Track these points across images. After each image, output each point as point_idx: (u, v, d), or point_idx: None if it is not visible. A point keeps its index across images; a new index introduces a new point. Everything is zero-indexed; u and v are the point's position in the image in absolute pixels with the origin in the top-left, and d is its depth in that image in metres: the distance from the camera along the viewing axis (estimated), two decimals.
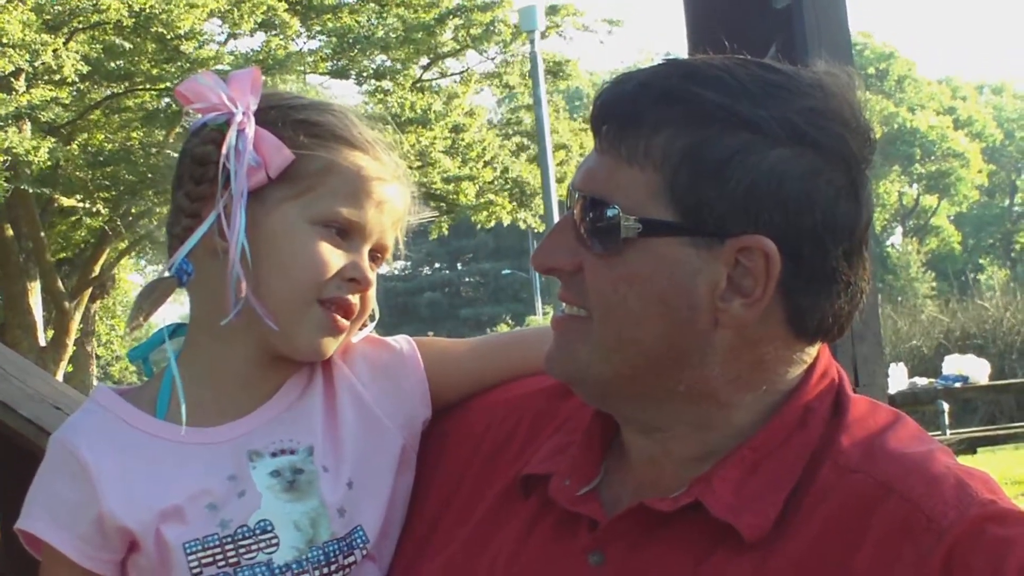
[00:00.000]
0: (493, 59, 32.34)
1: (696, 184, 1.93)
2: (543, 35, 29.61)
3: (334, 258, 2.24)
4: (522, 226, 34.06)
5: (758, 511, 1.94)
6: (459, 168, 31.45)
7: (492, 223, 33.85)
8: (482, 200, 32.33)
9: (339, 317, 2.26)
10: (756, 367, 2.01)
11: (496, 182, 32.27)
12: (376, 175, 2.29)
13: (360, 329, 2.38)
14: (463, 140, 31.56)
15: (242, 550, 2.18)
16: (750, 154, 1.92)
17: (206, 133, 2.27)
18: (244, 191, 2.21)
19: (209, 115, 2.26)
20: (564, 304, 2.09)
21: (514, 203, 32.71)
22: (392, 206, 2.32)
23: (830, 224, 1.96)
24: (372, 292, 2.31)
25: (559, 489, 2.12)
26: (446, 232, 36.47)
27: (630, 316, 1.98)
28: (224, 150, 2.22)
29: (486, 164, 31.93)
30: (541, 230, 31.67)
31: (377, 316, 2.40)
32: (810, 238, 1.95)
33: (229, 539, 2.18)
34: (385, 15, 30.46)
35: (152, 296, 2.28)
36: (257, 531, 2.19)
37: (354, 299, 2.27)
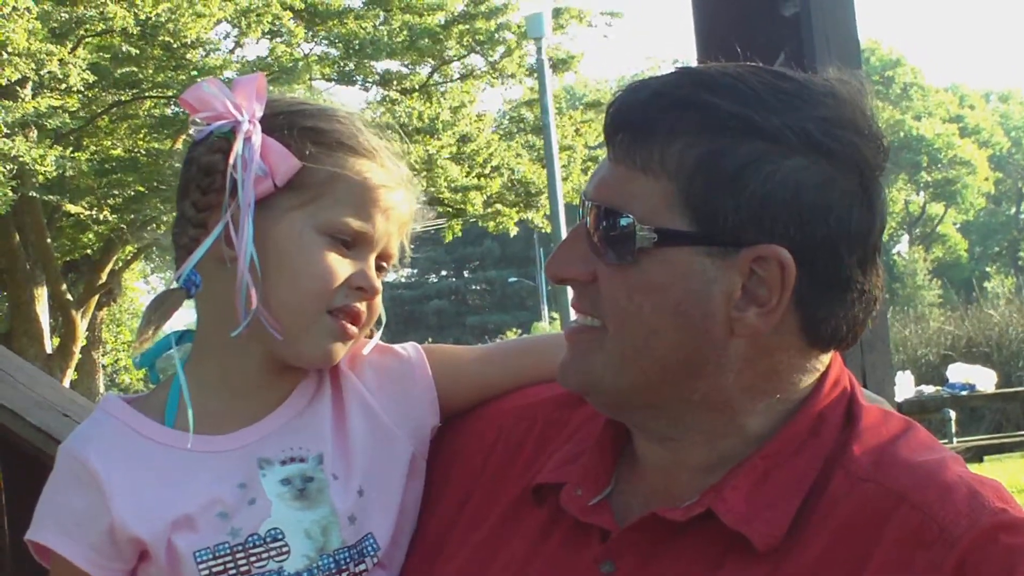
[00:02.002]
0: (497, 63, 32.34)
1: (712, 193, 1.93)
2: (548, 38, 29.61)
3: (342, 267, 2.23)
4: (531, 225, 34.07)
5: (770, 520, 1.94)
6: (466, 177, 31.47)
7: (500, 230, 33.89)
8: (489, 210, 32.37)
9: (347, 325, 2.25)
10: (770, 376, 2.01)
11: (503, 190, 32.31)
12: (382, 183, 2.29)
13: (368, 337, 2.38)
14: (469, 149, 31.57)
15: (253, 558, 2.17)
16: (765, 163, 1.92)
17: (212, 142, 2.26)
18: (251, 201, 2.21)
19: (215, 123, 2.26)
20: (576, 314, 2.09)
21: (520, 205, 32.72)
22: (398, 213, 2.31)
23: (844, 233, 1.96)
24: (378, 299, 2.30)
25: (571, 498, 2.12)
26: (459, 233, 36.48)
27: (645, 326, 1.98)
28: (231, 159, 2.21)
29: (493, 169, 31.94)
30: (548, 231, 31.69)
31: (384, 322, 2.39)
32: (825, 247, 1.95)
33: (240, 547, 2.17)
34: (391, 21, 30.48)
35: (161, 309, 2.28)
36: (268, 539, 2.18)
37: (361, 307, 2.27)
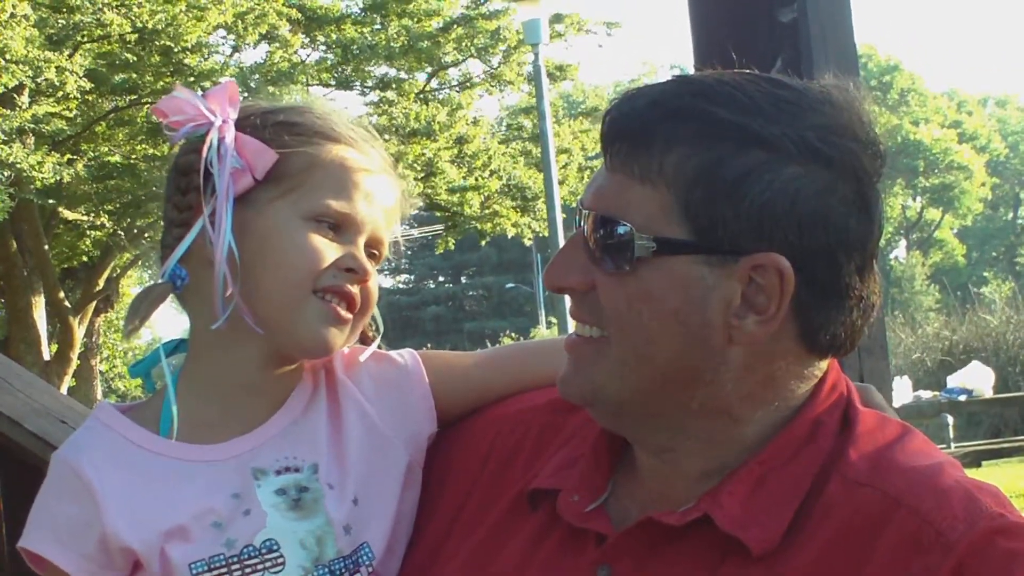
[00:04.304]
0: (495, 68, 32.35)
1: (711, 203, 1.93)
2: (546, 44, 29.56)
3: (329, 249, 2.23)
4: (527, 234, 34.02)
5: (766, 525, 1.94)
6: (464, 178, 31.46)
7: (497, 232, 33.81)
8: (487, 211, 32.33)
9: (338, 307, 2.24)
10: (768, 383, 2.01)
11: (501, 192, 32.25)
12: (361, 166, 2.29)
13: (367, 344, 2.38)
14: (468, 151, 31.56)
15: (248, 570, 2.17)
16: (764, 172, 1.93)
17: (188, 144, 2.28)
18: (229, 192, 2.21)
19: (188, 127, 2.27)
20: (575, 323, 2.08)
21: (518, 210, 32.68)
22: (381, 197, 2.31)
23: (843, 240, 1.96)
24: (373, 285, 2.29)
25: (567, 505, 2.11)
26: (452, 247, 36.46)
27: (645, 334, 1.98)
28: (204, 154, 2.22)
29: (492, 173, 31.94)
30: (546, 235, 31.65)
31: (382, 330, 2.40)
32: (824, 255, 1.95)
33: (235, 559, 2.17)
34: (387, 26, 30.49)
35: (147, 301, 2.27)
36: (263, 550, 2.18)
37: (353, 289, 2.26)
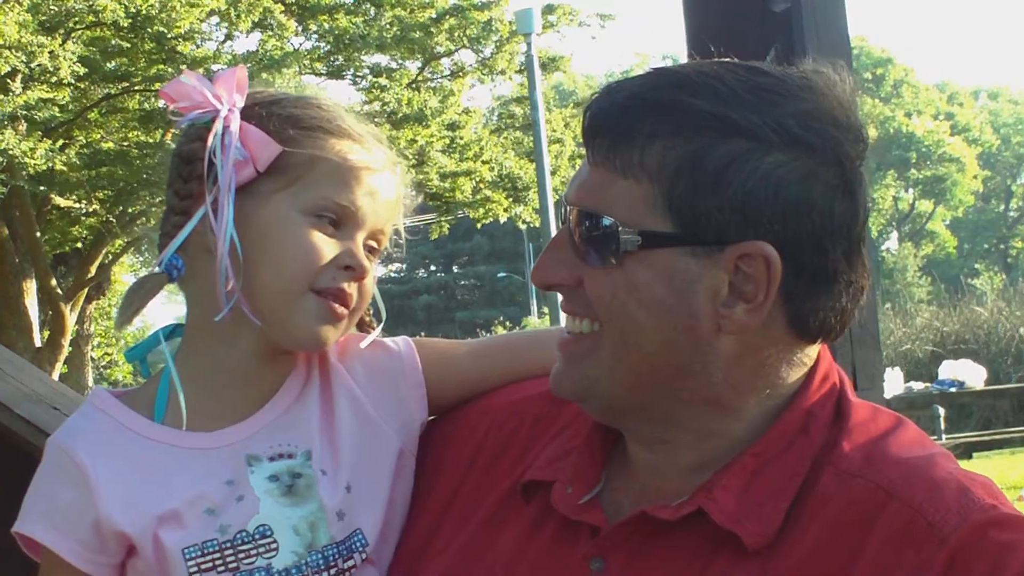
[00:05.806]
0: (488, 58, 32.28)
1: (694, 194, 1.94)
2: (539, 34, 29.53)
3: (328, 247, 2.23)
4: (519, 223, 33.98)
5: (761, 519, 1.94)
6: (456, 165, 31.40)
7: (489, 219, 33.80)
8: (478, 197, 32.29)
9: (335, 305, 2.25)
10: (758, 371, 2.01)
11: (492, 183, 32.22)
12: (365, 164, 2.29)
13: (367, 332, 2.38)
14: (461, 139, 31.52)
15: (241, 555, 2.17)
16: (746, 162, 1.93)
17: (192, 131, 2.28)
18: (231, 183, 2.21)
19: (194, 113, 2.27)
20: (567, 318, 2.08)
21: (510, 199, 32.65)
22: (384, 195, 2.31)
23: (828, 226, 1.96)
24: (370, 282, 2.29)
25: (561, 497, 2.12)
26: (446, 231, 36.37)
27: (633, 325, 1.98)
28: (209, 144, 2.22)
29: (484, 163, 31.90)
30: (538, 224, 31.62)
31: (384, 318, 2.40)
32: (810, 241, 1.95)
33: (228, 544, 2.17)
34: (380, 16, 30.43)
35: (141, 292, 2.27)
36: (256, 536, 2.18)
37: (351, 288, 2.26)
